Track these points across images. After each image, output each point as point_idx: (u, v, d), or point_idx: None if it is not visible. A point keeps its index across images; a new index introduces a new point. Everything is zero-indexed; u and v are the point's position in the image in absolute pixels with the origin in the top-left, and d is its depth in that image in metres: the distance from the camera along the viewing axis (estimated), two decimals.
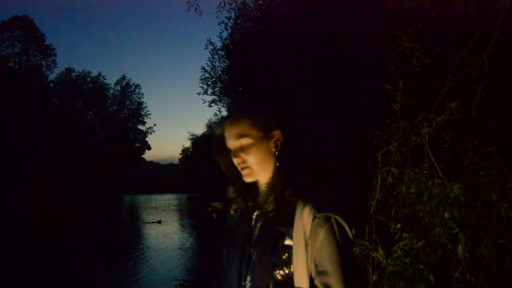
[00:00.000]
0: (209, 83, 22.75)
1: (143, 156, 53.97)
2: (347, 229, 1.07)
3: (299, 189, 1.13)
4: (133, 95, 49.91)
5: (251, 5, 13.54)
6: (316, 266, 1.05)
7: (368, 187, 2.62)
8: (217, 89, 22.61)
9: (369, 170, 2.66)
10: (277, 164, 1.18)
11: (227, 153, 1.24)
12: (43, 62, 39.69)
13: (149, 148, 52.61)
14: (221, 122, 1.24)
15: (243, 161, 1.18)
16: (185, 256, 13.09)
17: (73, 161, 33.99)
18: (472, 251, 2.22)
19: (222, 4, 3.28)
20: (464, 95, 2.38)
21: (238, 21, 14.88)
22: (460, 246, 2.14)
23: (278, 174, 1.17)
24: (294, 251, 1.08)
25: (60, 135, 33.40)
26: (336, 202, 1.10)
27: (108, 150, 43.22)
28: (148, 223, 21.87)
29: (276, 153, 1.18)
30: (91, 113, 45.06)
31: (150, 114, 54.57)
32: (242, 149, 1.17)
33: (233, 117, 1.19)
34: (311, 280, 1.05)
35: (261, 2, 13.09)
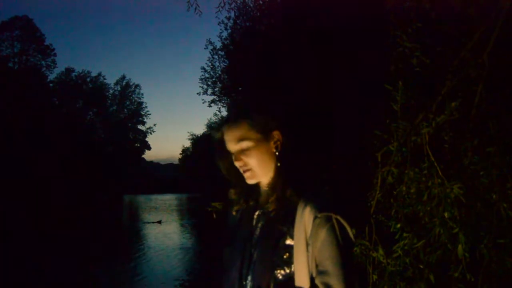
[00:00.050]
0: (209, 83, 22.76)
1: (143, 156, 54.00)
2: (348, 229, 1.07)
3: (300, 188, 1.13)
4: (133, 95, 49.93)
5: (251, 5, 13.56)
6: (317, 265, 1.05)
7: (368, 187, 2.62)
8: (217, 89, 22.61)
9: (369, 170, 2.66)
10: (278, 165, 1.18)
11: (227, 156, 1.25)
12: (42, 62, 39.67)
13: (149, 148, 52.63)
14: (220, 126, 1.25)
15: (245, 164, 1.18)
16: (185, 256, 13.10)
17: (73, 161, 33.98)
18: (472, 251, 2.22)
19: (222, 4, 3.28)
20: (464, 95, 2.38)
21: (238, 21, 14.90)
22: (460, 246, 2.14)
23: (279, 174, 1.18)
24: (295, 250, 1.08)
25: (60, 135, 33.39)
26: (337, 202, 1.11)
27: (108, 150, 43.21)
28: (148, 223, 21.88)
29: (277, 153, 1.18)
30: (91, 113, 45.06)
31: (150, 114, 54.59)
32: (243, 152, 1.18)
33: (231, 121, 1.19)
34: (312, 280, 1.05)
35: (261, 2, 13.10)
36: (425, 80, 2.56)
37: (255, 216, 1.23)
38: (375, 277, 2.44)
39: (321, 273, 1.04)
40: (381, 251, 2.40)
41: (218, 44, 19.41)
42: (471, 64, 2.38)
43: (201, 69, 22.49)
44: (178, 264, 11.80)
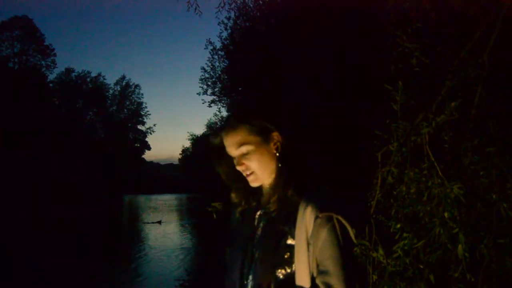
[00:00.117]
0: (209, 83, 22.77)
1: (143, 156, 54.06)
2: (349, 229, 1.07)
3: (301, 189, 1.14)
4: (133, 95, 49.99)
5: (251, 5, 13.57)
6: (317, 265, 1.06)
7: (368, 187, 2.62)
8: (217, 89, 22.61)
9: (369, 170, 2.66)
10: (279, 165, 1.19)
11: (226, 161, 1.26)
12: (42, 62, 39.72)
13: (149, 148, 52.69)
14: (218, 131, 1.25)
15: (247, 168, 1.19)
16: (185, 256, 13.10)
17: (73, 161, 33.99)
18: (472, 251, 2.22)
19: (222, 4, 3.29)
20: (464, 95, 2.38)
21: (237, 21, 14.90)
22: (460, 246, 2.14)
23: (280, 174, 1.18)
24: (296, 250, 1.09)
25: (60, 135, 33.39)
26: (338, 202, 1.11)
27: (108, 150, 43.21)
28: (148, 223, 21.87)
29: (277, 154, 1.19)
30: (91, 113, 45.10)
31: (150, 114, 54.58)
32: (244, 156, 1.18)
33: (230, 127, 1.19)
34: (313, 280, 1.06)
35: (260, 2, 13.12)
36: (425, 80, 2.57)
37: (256, 216, 1.23)
38: (375, 277, 2.45)
39: (321, 273, 1.04)
40: (381, 251, 2.40)
41: (218, 44, 19.42)
42: (471, 64, 2.38)
43: (201, 69, 22.52)
44: (178, 264, 11.80)
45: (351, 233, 1.08)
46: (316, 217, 1.06)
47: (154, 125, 57.48)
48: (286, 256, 1.10)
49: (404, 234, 2.36)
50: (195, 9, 3.00)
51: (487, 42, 2.33)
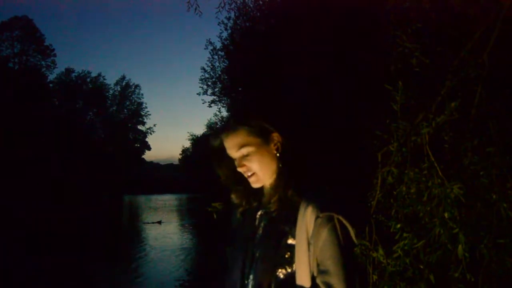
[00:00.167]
0: (209, 83, 22.75)
1: (143, 156, 54.03)
2: (350, 229, 1.08)
3: (302, 188, 1.14)
4: (133, 95, 49.97)
5: (251, 6, 13.55)
6: (318, 265, 1.06)
7: (368, 187, 2.62)
8: (217, 89, 22.60)
9: (369, 170, 2.66)
10: (280, 166, 1.19)
11: (227, 163, 1.26)
12: (42, 62, 39.73)
13: (149, 148, 52.66)
14: (217, 133, 1.25)
15: (248, 169, 1.19)
16: (185, 256, 13.10)
17: (73, 161, 33.99)
18: (472, 251, 2.22)
19: (222, 5, 3.29)
20: (464, 95, 2.38)
21: (238, 22, 14.90)
22: (460, 246, 2.14)
23: (281, 174, 1.18)
24: (297, 250, 1.09)
25: (60, 135, 33.39)
26: (338, 202, 1.11)
27: (108, 150, 43.21)
28: (148, 223, 21.87)
29: (278, 154, 1.19)
30: (91, 113, 45.09)
31: (150, 115, 54.54)
32: (245, 158, 1.19)
33: (230, 129, 1.19)
34: (313, 279, 1.06)
35: (261, 2, 13.12)
36: (425, 80, 2.57)
37: (257, 216, 1.24)
38: (375, 277, 2.45)
39: (322, 272, 1.04)
40: (381, 251, 2.40)
41: (218, 44, 19.41)
42: (471, 64, 2.38)
43: (201, 69, 22.50)
44: (178, 264, 11.80)
45: (352, 233, 1.08)
46: (317, 217, 1.07)
47: (154, 125, 57.59)
48: (286, 256, 1.11)
49: (404, 234, 2.36)
50: (195, 9, 3.00)
51: (487, 42, 2.33)
